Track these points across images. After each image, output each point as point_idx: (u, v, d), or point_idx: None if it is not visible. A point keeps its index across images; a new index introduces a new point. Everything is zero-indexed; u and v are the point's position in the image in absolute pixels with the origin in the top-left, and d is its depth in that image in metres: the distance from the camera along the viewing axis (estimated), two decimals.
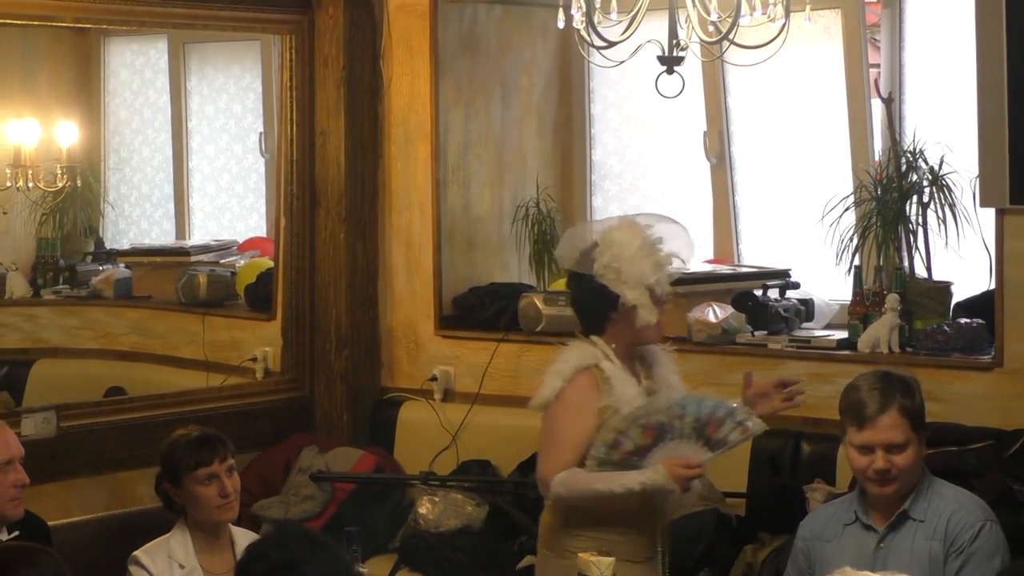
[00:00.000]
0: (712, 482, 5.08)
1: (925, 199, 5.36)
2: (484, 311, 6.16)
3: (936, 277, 5.38)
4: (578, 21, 4.02)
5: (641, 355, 4.38)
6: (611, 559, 4.05)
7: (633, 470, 4.13)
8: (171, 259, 6.91)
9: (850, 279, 5.41)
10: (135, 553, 4.31)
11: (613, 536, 4.22)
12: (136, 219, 7.29)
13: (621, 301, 4.23)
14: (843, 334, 5.42)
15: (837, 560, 3.76)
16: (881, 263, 5.39)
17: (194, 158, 7.16)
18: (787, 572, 4.17)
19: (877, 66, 5.79)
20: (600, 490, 4.14)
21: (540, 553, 4.40)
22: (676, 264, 4.37)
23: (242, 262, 6.86)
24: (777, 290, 5.68)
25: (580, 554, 4.08)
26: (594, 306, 4.31)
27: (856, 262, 5.41)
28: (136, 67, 7.22)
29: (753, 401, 4.34)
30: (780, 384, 4.35)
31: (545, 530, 4.39)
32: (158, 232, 7.26)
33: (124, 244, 7.22)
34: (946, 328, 5.14)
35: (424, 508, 5.65)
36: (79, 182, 6.88)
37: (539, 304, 5.96)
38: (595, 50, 4.09)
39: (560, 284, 6.15)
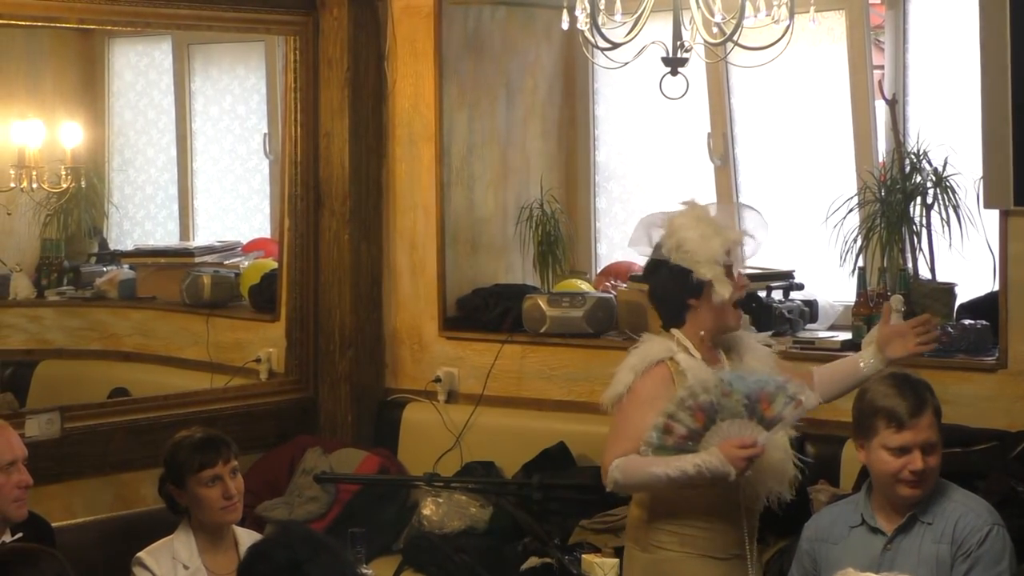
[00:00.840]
0: None
1: (929, 200, 5.35)
2: (488, 312, 6.16)
3: (940, 278, 5.37)
4: (582, 22, 4.02)
5: (728, 345, 4.30)
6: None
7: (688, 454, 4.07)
8: (175, 260, 6.90)
9: (854, 280, 5.41)
10: (139, 554, 4.31)
11: (696, 531, 4.17)
12: (140, 220, 7.28)
13: (696, 278, 4.15)
14: (847, 335, 5.42)
15: (844, 562, 3.75)
16: (885, 264, 5.39)
17: (198, 159, 7.16)
18: (791, 573, 4.16)
19: (881, 67, 5.79)
20: (655, 473, 4.05)
21: (626, 547, 4.33)
22: (751, 244, 4.29)
23: (246, 263, 6.86)
24: (781, 291, 5.68)
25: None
26: (673, 293, 4.22)
27: (860, 263, 5.41)
28: (140, 68, 7.22)
29: (888, 339, 4.30)
30: (920, 324, 4.30)
31: (631, 524, 4.33)
32: (162, 233, 7.25)
33: (128, 245, 7.21)
34: (950, 330, 5.14)
35: (428, 509, 5.65)
36: (83, 183, 6.87)
37: (543, 305, 5.96)
38: (599, 51, 4.08)
39: (564, 285, 6.16)
